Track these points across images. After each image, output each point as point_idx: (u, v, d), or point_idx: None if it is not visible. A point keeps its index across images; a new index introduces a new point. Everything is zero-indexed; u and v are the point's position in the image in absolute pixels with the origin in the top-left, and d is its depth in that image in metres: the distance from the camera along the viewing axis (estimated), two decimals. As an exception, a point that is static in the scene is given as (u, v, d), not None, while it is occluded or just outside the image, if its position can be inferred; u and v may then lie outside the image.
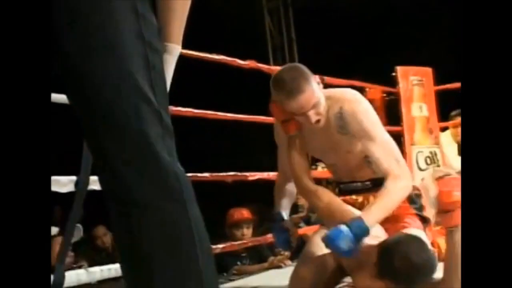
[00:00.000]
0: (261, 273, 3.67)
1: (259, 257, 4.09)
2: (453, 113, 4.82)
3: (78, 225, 1.47)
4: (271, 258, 3.87)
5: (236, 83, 5.91)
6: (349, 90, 2.43)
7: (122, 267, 1.22)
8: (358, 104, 2.32)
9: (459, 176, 2.04)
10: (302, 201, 4.68)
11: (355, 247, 2.04)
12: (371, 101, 3.42)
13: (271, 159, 2.60)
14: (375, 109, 2.40)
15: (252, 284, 3.19)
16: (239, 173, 3.30)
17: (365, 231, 2.06)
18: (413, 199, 2.36)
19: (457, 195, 1.96)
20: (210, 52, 3.24)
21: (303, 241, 4.24)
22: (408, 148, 4.38)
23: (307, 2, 7.55)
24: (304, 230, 4.26)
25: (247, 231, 4.21)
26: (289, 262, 3.75)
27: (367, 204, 2.31)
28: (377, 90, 4.53)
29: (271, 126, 2.56)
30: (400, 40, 7.08)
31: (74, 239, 1.49)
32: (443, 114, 4.85)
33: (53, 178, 2.12)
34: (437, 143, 4.72)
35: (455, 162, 4.74)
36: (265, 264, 3.88)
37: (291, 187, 2.55)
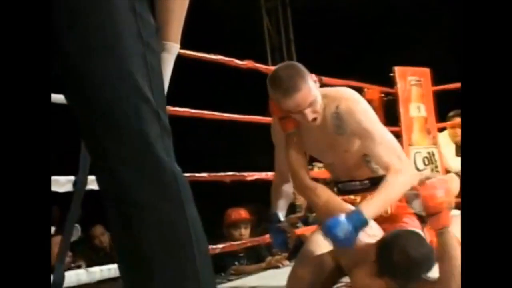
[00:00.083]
0: (258, 273, 3.67)
1: (257, 257, 4.09)
2: (451, 113, 4.82)
3: (76, 224, 1.47)
4: (269, 258, 3.87)
5: (234, 83, 5.91)
6: (345, 89, 2.43)
7: (120, 267, 1.23)
8: (356, 103, 2.32)
9: (442, 178, 2.06)
10: (300, 201, 4.68)
11: (353, 238, 2.05)
12: (369, 101, 3.41)
13: (269, 159, 2.60)
14: (373, 109, 2.40)
15: (250, 284, 3.19)
16: (237, 173, 3.30)
17: (364, 222, 2.06)
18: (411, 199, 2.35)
19: (440, 197, 1.97)
20: (208, 51, 3.24)
21: (301, 241, 4.25)
22: (406, 148, 4.38)
23: (306, 2, 7.55)
24: (302, 230, 4.26)
25: (245, 231, 4.21)
26: (286, 262, 3.75)
27: None
28: (375, 91, 4.54)
29: (269, 126, 2.56)
30: (398, 40, 7.09)
31: (72, 238, 1.49)
32: (441, 115, 4.86)
33: (52, 178, 2.12)
34: (435, 143, 4.73)
35: (453, 162, 4.75)
36: (263, 264, 3.88)
37: (287, 187, 2.55)
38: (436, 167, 4.66)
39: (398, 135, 4.24)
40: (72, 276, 2.15)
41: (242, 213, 4.30)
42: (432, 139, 4.71)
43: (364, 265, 2.10)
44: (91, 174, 1.29)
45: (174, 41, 1.31)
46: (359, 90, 4.42)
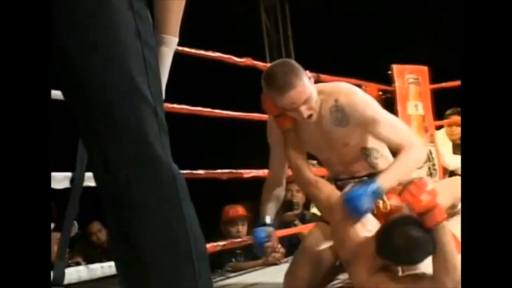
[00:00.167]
0: (255, 270, 3.67)
1: (254, 254, 4.09)
2: (448, 111, 4.83)
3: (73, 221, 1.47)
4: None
5: (231, 80, 5.91)
6: (341, 83, 2.43)
7: (117, 266, 1.23)
8: (355, 94, 2.32)
9: (423, 179, 2.09)
10: (297, 199, 4.68)
11: (369, 208, 2.13)
12: (367, 99, 3.37)
13: (266, 157, 2.60)
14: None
15: (247, 281, 3.19)
16: (234, 171, 3.30)
17: (380, 192, 2.14)
18: None
19: (425, 198, 1.98)
20: (207, 49, 3.24)
21: (298, 239, 4.25)
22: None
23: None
24: (299, 228, 4.26)
25: (242, 228, 4.22)
26: (284, 259, 3.76)
27: None
28: (373, 88, 4.54)
29: (266, 123, 2.56)
30: (396, 38, 7.09)
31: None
32: (439, 113, 4.87)
33: (49, 174, 2.11)
34: (432, 141, 4.73)
35: (450, 160, 4.76)
36: (260, 261, 3.87)
37: (279, 191, 2.55)
38: (434, 165, 4.67)
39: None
40: (72, 273, 2.15)
41: (239, 210, 4.30)
42: (429, 137, 4.71)
43: (362, 259, 2.10)
44: (88, 171, 1.29)
45: (173, 35, 1.31)
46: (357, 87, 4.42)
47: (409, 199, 1.99)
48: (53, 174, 2.18)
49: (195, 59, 3.17)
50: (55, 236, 1.46)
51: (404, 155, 2.23)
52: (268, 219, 2.47)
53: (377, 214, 2.21)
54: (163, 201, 1.16)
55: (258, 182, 2.66)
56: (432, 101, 4.79)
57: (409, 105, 4.68)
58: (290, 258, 3.63)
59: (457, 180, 2.58)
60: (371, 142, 2.37)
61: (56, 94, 1.25)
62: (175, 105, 2.91)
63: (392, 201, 2.27)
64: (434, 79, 4.82)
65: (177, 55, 1.35)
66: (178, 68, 1.46)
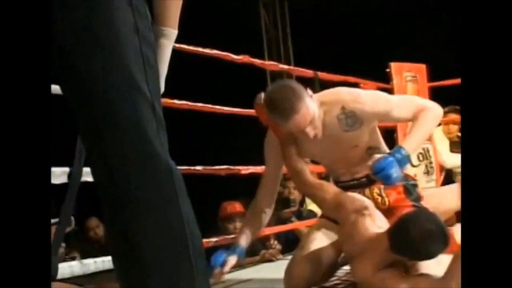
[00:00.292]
0: (251, 266, 3.68)
1: (250, 251, 4.10)
2: (445, 109, 4.82)
3: (70, 216, 1.47)
4: (263, 252, 3.88)
5: (230, 76, 5.91)
6: (339, 89, 2.41)
7: (114, 264, 1.23)
8: (359, 96, 2.34)
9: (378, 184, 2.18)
10: (293, 196, 4.69)
11: (400, 175, 2.21)
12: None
13: (263, 153, 2.60)
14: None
15: (244, 277, 3.20)
16: (232, 167, 3.30)
17: (408, 158, 2.21)
18: (410, 190, 2.36)
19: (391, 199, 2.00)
20: (206, 45, 3.24)
21: (294, 235, 4.27)
22: (401, 138, 4.40)
23: (303, -4, 7.55)
24: (296, 224, 4.28)
25: (240, 225, 4.22)
26: (280, 256, 3.77)
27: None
28: (371, 86, 4.54)
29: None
30: (395, 36, 7.09)
31: (66, 230, 1.50)
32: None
33: (47, 169, 2.11)
34: (429, 139, 4.73)
35: (447, 158, 4.77)
36: (257, 258, 3.88)
37: (264, 216, 2.50)
38: (431, 163, 4.68)
39: (393, 131, 4.25)
40: (65, 268, 2.15)
41: (237, 206, 4.31)
42: (426, 135, 4.72)
43: (371, 254, 2.07)
44: (86, 165, 1.30)
45: (173, 27, 1.31)
46: (355, 86, 4.43)
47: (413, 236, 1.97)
48: (51, 169, 2.18)
49: (193, 56, 3.17)
50: (52, 230, 1.46)
51: (420, 119, 2.31)
52: (238, 249, 2.40)
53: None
54: (161, 198, 1.16)
55: (256, 178, 2.66)
56: (430, 99, 4.79)
57: (407, 103, 4.68)
58: (286, 255, 3.66)
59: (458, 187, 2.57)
60: (375, 141, 2.40)
61: (54, 88, 1.25)
62: (175, 101, 2.91)
63: (391, 197, 2.29)
64: (432, 77, 4.83)
65: (174, 52, 1.36)
66: (176, 64, 1.46)
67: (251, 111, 3.51)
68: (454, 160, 4.65)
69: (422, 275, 2.05)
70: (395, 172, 2.17)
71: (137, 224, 1.15)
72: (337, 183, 2.48)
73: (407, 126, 4.60)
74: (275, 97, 2.24)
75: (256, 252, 4.02)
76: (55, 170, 2.12)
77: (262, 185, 2.53)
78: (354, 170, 2.43)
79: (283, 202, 4.50)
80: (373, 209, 2.18)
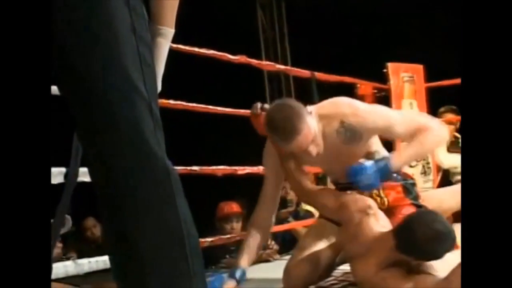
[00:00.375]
0: (249, 267, 3.67)
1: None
2: (442, 109, 4.84)
3: (67, 216, 1.47)
4: (260, 252, 3.88)
5: (227, 76, 5.91)
6: (337, 101, 2.37)
7: (111, 264, 1.23)
8: (359, 110, 2.30)
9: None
10: (291, 196, 4.70)
11: (375, 183, 2.18)
12: (362, 97, 3.43)
13: (260, 154, 2.60)
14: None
15: (241, 278, 3.20)
16: (228, 167, 3.30)
17: (388, 170, 2.19)
18: (409, 189, 2.36)
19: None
20: (203, 45, 3.24)
21: (291, 235, 4.27)
22: (398, 144, 4.40)
23: (300, -4, 7.55)
24: (292, 224, 4.28)
25: (237, 225, 4.22)
26: (277, 256, 3.77)
27: None
28: (368, 86, 4.55)
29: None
30: (392, 36, 7.10)
31: (63, 230, 1.49)
32: (433, 111, 4.87)
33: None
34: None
35: (444, 158, 4.77)
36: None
37: (266, 233, 2.48)
38: (428, 163, 4.69)
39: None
40: (60, 267, 2.14)
41: (234, 207, 4.31)
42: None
43: (375, 254, 2.07)
44: (83, 166, 1.30)
45: (170, 26, 1.32)
46: (352, 86, 4.44)
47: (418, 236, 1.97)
48: (48, 169, 2.18)
49: (190, 56, 3.17)
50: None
51: (420, 138, 2.25)
52: (238, 273, 2.35)
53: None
54: (159, 198, 1.17)
55: (253, 179, 2.67)
56: (427, 100, 4.80)
57: (404, 103, 4.69)
58: (283, 255, 3.66)
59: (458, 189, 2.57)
60: (375, 146, 2.39)
61: (53, 88, 1.25)
62: (171, 101, 2.91)
63: (390, 197, 2.29)
64: (429, 77, 4.84)
65: (171, 52, 1.36)
66: (173, 64, 1.46)
67: (247, 112, 3.52)
68: (451, 160, 4.65)
69: (425, 274, 2.05)
70: (367, 179, 2.15)
71: (135, 224, 1.15)
72: (336, 184, 2.49)
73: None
74: (276, 119, 2.21)
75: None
76: (52, 170, 2.12)
77: (262, 201, 2.48)
78: None
79: (280, 202, 4.50)
80: (376, 208, 2.17)
